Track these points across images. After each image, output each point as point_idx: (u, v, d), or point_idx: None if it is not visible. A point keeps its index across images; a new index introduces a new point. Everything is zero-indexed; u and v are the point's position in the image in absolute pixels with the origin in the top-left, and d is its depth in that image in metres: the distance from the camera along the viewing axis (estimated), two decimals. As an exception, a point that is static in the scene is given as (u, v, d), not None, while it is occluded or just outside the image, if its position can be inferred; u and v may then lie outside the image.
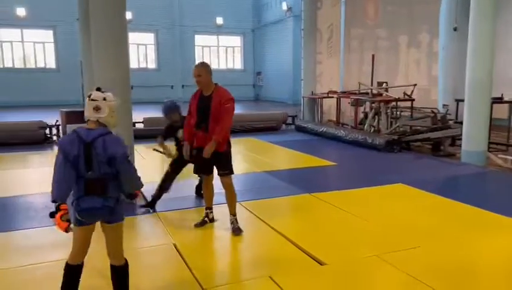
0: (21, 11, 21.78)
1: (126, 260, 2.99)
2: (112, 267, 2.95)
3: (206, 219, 4.72)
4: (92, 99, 2.81)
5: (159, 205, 5.43)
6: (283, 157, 9.28)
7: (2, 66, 22.64)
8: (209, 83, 4.34)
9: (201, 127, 4.33)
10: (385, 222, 4.81)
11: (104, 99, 2.83)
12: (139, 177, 2.98)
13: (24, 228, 4.73)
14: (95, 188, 2.73)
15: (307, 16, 14.26)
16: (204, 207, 4.78)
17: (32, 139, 10.22)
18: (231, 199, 4.58)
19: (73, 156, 2.70)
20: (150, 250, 4.14)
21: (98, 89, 2.91)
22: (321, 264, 3.77)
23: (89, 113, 2.80)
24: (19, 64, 23.05)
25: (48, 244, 4.19)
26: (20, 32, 22.59)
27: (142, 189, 3.06)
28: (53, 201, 2.74)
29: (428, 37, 12.11)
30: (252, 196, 5.77)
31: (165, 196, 5.76)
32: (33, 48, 23.12)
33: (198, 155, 4.36)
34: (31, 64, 23.27)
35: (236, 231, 4.44)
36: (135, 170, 2.94)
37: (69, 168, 2.70)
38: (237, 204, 5.19)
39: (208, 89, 4.33)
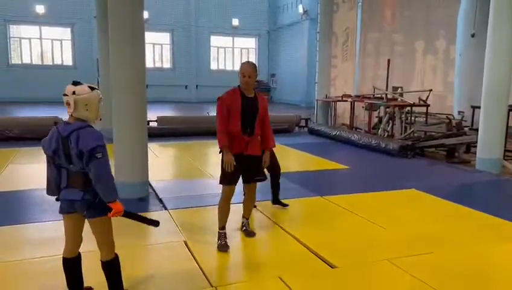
0: (40, 9, 22.16)
1: (115, 255, 2.95)
2: (100, 261, 2.94)
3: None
4: (64, 94, 2.73)
5: (170, 203, 5.46)
6: (295, 159, 9.26)
7: (20, 62, 23.04)
8: (253, 85, 4.11)
9: (247, 132, 4.04)
10: (397, 226, 4.77)
11: (74, 93, 2.70)
12: (112, 186, 2.77)
13: (38, 221, 4.81)
14: (76, 181, 2.74)
15: (323, 19, 14.22)
16: (223, 225, 4.20)
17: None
18: (252, 203, 4.59)
19: (52, 150, 2.73)
20: (161, 247, 4.16)
21: (74, 83, 2.77)
22: (331, 267, 3.75)
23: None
24: (36, 61, 23.43)
25: (61, 238, 4.23)
26: (39, 29, 22.98)
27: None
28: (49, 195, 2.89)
29: (445, 43, 12.02)
30: (263, 197, 5.75)
31: (177, 193, 5.79)
32: (51, 45, 23.49)
33: (245, 162, 4.06)
34: (48, 61, 23.63)
35: (251, 234, 4.43)
36: (106, 173, 2.72)
37: (51, 166, 2.79)
38: (248, 204, 5.21)
39: (250, 91, 4.08)
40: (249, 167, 4.08)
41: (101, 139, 2.71)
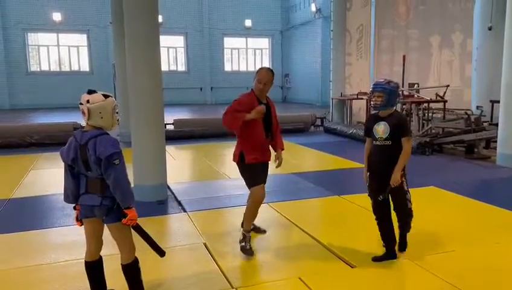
0: (57, 16, 22.58)
1: (135, 259, 2.98)
2: (121, 264, 2.99)
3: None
4: (79, 103, 2.79)
5: (189, 205, 5.51)
6: (312, 159, 9.24)
7: (39, 70, 23.51)
8: (267, 93, 4.08)
9: (269, 138, 4.09)
10: (417, 225, 4.71)
11: (88, 101, 2.76)
12: (130, 191, 2.81)
13: (61, 226, 4.91)
14: (94, 187, 2.80)
15: (336, 17, 14.16)
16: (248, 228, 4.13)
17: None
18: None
19: (71, 159, 2.80)
20: (181, 249, 4.20)
21: (89, 91, 2.82)
22: (351, 267, 3.74)
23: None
24: (54, 68, 23.87)
25: (83, 242, 4.32)
26: (56, 36, 23.40)
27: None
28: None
29: (462, 37, 11.82)
30: (280, 198, 5.77)
31: (195, 195, 5.83)
32: (68, 52, 23.90)
33: (265, 168, 4.14)
34: (65, 68, 24.05)
35: (260, 230, 4.47)
36: (124, 179, 2.77)
37: (68, 175, 2.87)
38: (266, 205, 5.22)
39: (264, 97, 4.04)
40: (265, 172, 4.15)
41: (117, 146, 2.77)
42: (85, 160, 2.76)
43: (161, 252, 3.08)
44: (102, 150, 2.70)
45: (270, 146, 4.16)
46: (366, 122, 4.02)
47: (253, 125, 3.88)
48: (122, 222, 2.79)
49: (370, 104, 3.42)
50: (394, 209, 3.82)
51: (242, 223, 4.17)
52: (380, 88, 3.64)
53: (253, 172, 3.98)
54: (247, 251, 3.93)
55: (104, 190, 2.78)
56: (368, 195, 3.87)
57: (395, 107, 3.79)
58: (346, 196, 5.82)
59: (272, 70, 4.08)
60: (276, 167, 4.20)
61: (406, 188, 3.74)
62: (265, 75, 3.93)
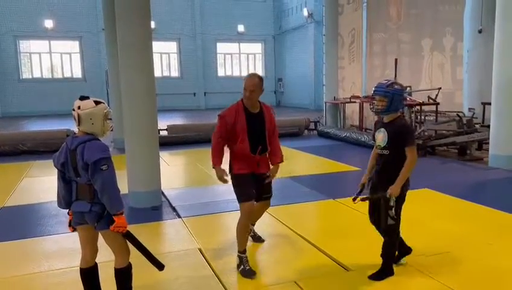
0: (49, 23, 22.51)
1: (129, 264, 2.97)
2: (114, 268, 2.99)
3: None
4: (72, 109, 2.80)
5: (183, 211, 5.50)
6: (306, 162, 9.26)
7: (31, 77, 23.41)
8: (258, 100, 3.75)
9: (258, 151, 3.72)
10: (412, 227, 4.73)
11: (79, 107, 2.77)
12: (117, 198, 2.77)
13: (56, 233, 4.88)
14: (84, 193, 2.80)
15: (328, 22, 14.24)
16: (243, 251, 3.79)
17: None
18: (260, 215, 4.27)
19: (61, 164, 2.81)
20: (176, 255, 4.19)
21: (81, 97, 2.82)
22: (347, 270, 3.75)
23: None
24: (46, 75, 23.78)
25: (78, 249, 4.29)
26: (48, 43, 23.31)
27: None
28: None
29: (453, 40, 11.93)
30: (275, 202, 5.72)
31: (190, 201, 5.81)
32: (60, 59, 23.81)
33: (257, 180, 3.80)
34: (58, 75, 23.96)
35: (259, 239, 4.42)
36: (112, 185, 2.74)
37: (60, 181, 2.87)
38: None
39: (255, 106, 3.73)
40: (260, 185, 3.83)
41: (105, 152, 2.76)
42: (74, 165, 2.76)
43: (160, 266, 3.00)
44: (89, 155, 2.69)
45: (267, 157, 3.87)
46: (374, 127, 3.70)
47: (239, 139, 3.64)
48: (110, 229, 2.77)
49: (371, 108, 3.11)
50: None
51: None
52: (381, 92, 3.33)
53: (240, 183, 3.73)
54: (249, 273, 3.63)
55: (93, 196, 2.78)
56: (353, 199, 3.62)
57: (400, 112, 3.45)
58: (341, 199, 5.83)
59: (259, 76, 3.74)
60: (265, 182, 3.85)
61: (392, 203, 3.34)
62: (250, 82, 3.62)
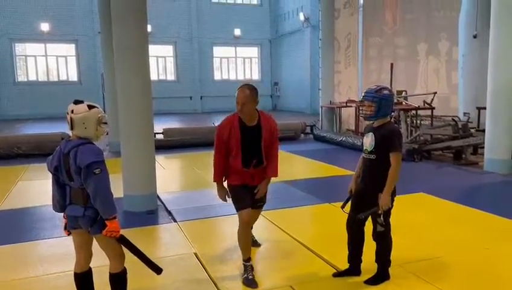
0: (45, 26, 22.44)
1: (124, 269, 2.95)
2: (109, 273, 2.97)
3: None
4: (66, 113, 2.80)
5: (179, 215, 5.48)
6: (302, 166, 9.26)
7: (26, 80, 23.31)
8: (253, 112, 3.56)
9: (252, 164, 3.60)
10: (407, 231, 4.75)
11: (72, 111, 2.76)
12: (110, 202, 2.75)
13: (50, 237, 4.84)
14: (77, 197, 2.79)
15: (324, 26, 14.30)
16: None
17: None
18: (254, 220, 4.06)
19: (54, 167, 2.80)
20: (172, 259, 4.16)
21: (75, 101, 2.82)
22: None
23: None
24: (42, 78, 23.69)
25: (72, 253, 4.26)
26: (44, 46, 23.24)
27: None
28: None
29: (448, 45, 11.99)
30: (271, 206, 5.73)
31: (185, 205, 5.78)
32: (56, 62, 23.74)
33: (251, 191, 3.71)
34: (54, 78, 23.88)
35: (256, 243, 4.38)
36: (104, 189, 2.72)
37: (55, 185, 2.86)
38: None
39: (252, 119, 3.55)
40: (253, 195, 3.74)
41: (99, 155, 2.74)
42: (68, 169, 2.75)
43: (157, 269, 2.99)
44: (82, 159, 2.68)
45: (262, 170, 3.72)
46: (364, 131, 3.69)
47: (233, 152, 3.56)
48: (102, 233, 2.75)
49: (359, 113, 3.09)
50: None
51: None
52: (369, 97, 3.31)
53: (235, 193, 3.68)
54: (250, 282, 3.53)
55: (87, 201, 2.76)
56: (341, 207, 3.63)
57: (389, 117, 3.44)
58: (337, 203, 5.80)
59: (250, 88, 3.53)
60: (256, 197, 3.73)
61: (380, 211, 3.32)
62: (241, 95, 3.46)
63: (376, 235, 3.48)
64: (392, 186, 3.28)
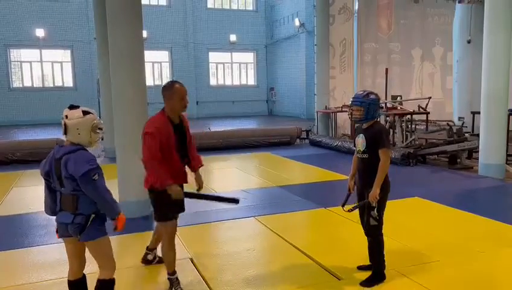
0: (40, 32, 22.39)
1: (112, 278, 2.92)
2: (97, 279, 2.94)
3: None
4: (61, 118, 2.79)
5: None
6: (298, 171, 9.26)
7: (21, 86, 23.22)
8: None
9: (185, 161, 3.63)
10: (402, 235, 4.76)
11: (66, 117, 2.75)
12: (113, 201, 2.79)
13: (44, 244, 4.81)
14: (67, 203, 2.77)
15: (319, 32, 14.36)
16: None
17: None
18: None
19: (45, 172, 2.79)
20: (167, 265, 4.15)
21: (70, 106, 2.80)
22: (338, 279, 3.74)
23: None
24: (37, 84, 23.58)
25: (66, 260, 4.24)
26: (39, 52, 23.19)
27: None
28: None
29: (442, 50, 12.12)
30: (267, 211, 5.76)
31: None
32: (51, 68, 23.69)
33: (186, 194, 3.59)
34: (49, 84, 23.80)
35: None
36: (105, 192, 2.74)
37: (46, 190, 2.85)
38: (252, 219, 5.18)
39: (177, 117, 3.55)
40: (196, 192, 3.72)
41: (93, 162, 2.72)
42: (59, 174, 2.73)
43: (234, 200, 3.46)
44: (77, 168, 2.65)
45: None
46: (354, 132, 3.89)
47: (169, 152, 3.40)
48: (117, 229, 2.79)
49: (349, 117, 3.24)
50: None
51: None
52: (358, 102, 3.52)
53: (170, 200, 3.45)
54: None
55: (76, 207, 2.75)
56: (341, 205, 3.77)
57: (376, 119, 3.64)
58: (333, 208, 5.83)
59: (171, 84, 3.54)
60: (197, 190, 3.70)
61: (373, 204, 3.46)
62: (184, 90, 3.52)
63: (368, 229, 3.64)
64: (380, 180, 3.45)
